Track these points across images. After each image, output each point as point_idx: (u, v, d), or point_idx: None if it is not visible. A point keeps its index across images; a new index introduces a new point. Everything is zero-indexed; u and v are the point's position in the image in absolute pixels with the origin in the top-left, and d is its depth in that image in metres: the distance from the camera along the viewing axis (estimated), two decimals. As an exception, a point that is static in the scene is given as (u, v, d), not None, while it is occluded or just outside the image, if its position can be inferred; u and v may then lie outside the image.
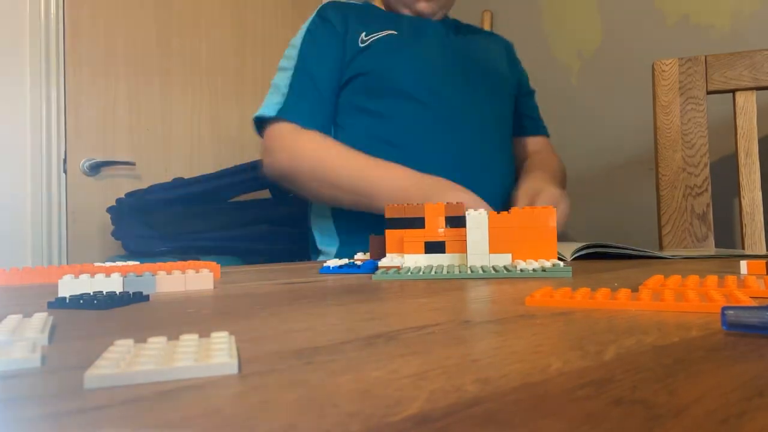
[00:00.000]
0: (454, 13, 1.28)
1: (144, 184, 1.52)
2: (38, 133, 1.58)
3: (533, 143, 1.24)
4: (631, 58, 1.45)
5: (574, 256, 0.66)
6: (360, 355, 0.21)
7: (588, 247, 0.70)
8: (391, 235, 0.58)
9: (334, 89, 1.07)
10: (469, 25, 1.25)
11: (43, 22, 1.58)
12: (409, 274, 0.49)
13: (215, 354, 0.19)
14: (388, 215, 0.57)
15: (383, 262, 0.53)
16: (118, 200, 1.39)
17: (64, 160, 1.63)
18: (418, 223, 0.57)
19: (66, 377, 0.19)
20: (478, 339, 0.24)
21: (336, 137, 1.07)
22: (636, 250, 0.69)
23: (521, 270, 0.49)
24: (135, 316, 0.32)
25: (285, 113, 1.00)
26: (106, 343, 0.25)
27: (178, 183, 1.36)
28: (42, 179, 1.58)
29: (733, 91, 1.06)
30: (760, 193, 1.04)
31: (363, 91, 1.06)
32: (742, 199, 1.04)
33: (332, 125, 1.10)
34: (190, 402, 0.16)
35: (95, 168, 1.66)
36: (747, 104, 1.05)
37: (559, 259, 0.63)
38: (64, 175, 1.63)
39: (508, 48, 1.26)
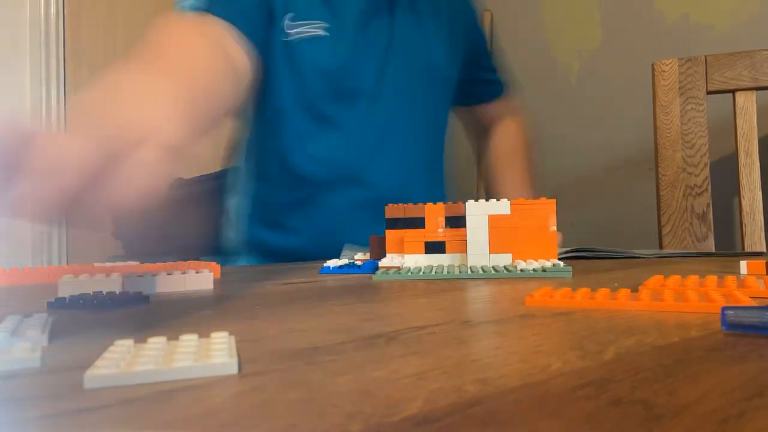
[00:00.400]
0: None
1: (144, 184, 1.52)
2: (38, 133, 1.58)
3: (492, 109, 1.13)
4: (631, 58, 1.45)
5: (560, 257, 0.67)
6: (360, 355, 0.21)
7: (573, 251, 0.71)
8: (391, 235, 0.58)
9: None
10: None
11: (43, 22, 1.59)
12: (410, 274, 0.49)
13: (215, 354, 0.19)
14: (388, 215, 0.58)
15: (383, 263, 0.53)
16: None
17: (64, 160, 1.63)
18: (418, 223, 0.57)
19: (66, 377, 0.19)
20: (478, 339, 0.24)
21: None
22: (617, 253, 0.70)
23: (521, 270, 0.49)
24: (135, 317, 0.32)
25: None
26: (106, 343, 0.25)
27: (178, 183, 1.36)
28: (42, 179, 1.58)
29: (733, 91, 1.06)
30: (760, 193, 1.04)
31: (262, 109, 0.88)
32: (742, 199, 1.04)
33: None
34: (190, 402, 0.16)
35: (95, 168, 1.66)
36: (747, 104, 1.05)
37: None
38: (64, 175, 1.63)
39: (466, 19, 1.06)
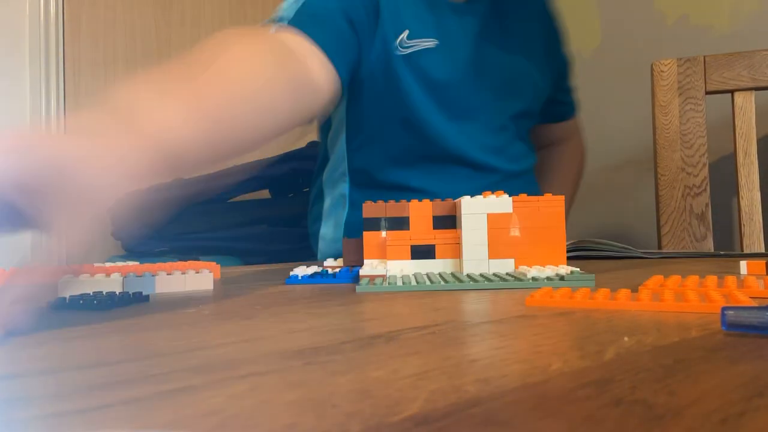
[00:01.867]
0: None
1: (143, 184, 1.52)
2: (37, 133, 1.58)
3: (558, 131, 1.13)
4: (630, 58, 1.45)
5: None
6: (360, 355, 0.21)
7: (576, 249, 0.70)
8: (369, 237, 0.49)
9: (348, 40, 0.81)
10: None
11: (42, 23, 1.58)
12: (401, 284, 0.41)
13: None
14: (365, 215, 0.50)
15: (365, 271, 0.46)
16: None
17: (64, 160, 1.63)
18: (401, 223, 0.49)
19: (66, 377, 0.19)
20: (478, 339, 0.24)
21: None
22: (619, 250, 0.69)
23: (533, 279, 0.41)
24: (135, 317, 0.32)
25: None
26: (106, 343, 0.25)
27: (178, 183, 1.36)
28: (41, 179, 1.58)
29: (732, 92, 1.06)
30: (758, 194, 1.04)
31: (367, 107, 0.87)
32: (740, 199, 1.04)
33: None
34: (190, 402, 0.16)
35: (94, 168, 1.66)
36: (746, 104, 1.05)
37: None
38: (63, 175, 1.63)
39: (551, 30, 1.08)
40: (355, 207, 0.92)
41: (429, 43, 0.88)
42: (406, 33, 0.86)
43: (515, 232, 0.47)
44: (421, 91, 0.87)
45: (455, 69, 0.90)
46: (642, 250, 0.73)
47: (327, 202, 0.97)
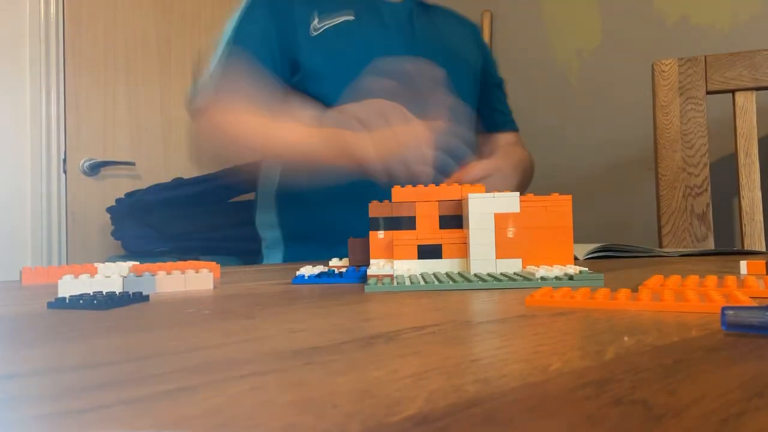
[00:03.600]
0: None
1: (144, 184, 1.52)
2: (38, 133, 1.58)
3: (503, 139, 1.15)
4: (631, 58, 1.45)
5: (586, 257, 0.66)
6: (360, 355, 0.21)
7: (602, 249, 0.70)
8: (376, 237, 0.50)
9: (275, 67, 0.92)
10: (432, 5, 1.11)
11: (43, 22, 1.58)
12: (409, 284, 0.41)
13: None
14: (371, 214, 0.50)
15: (372, 271, 0.46)
16: (118, 200, 1.39)
17: (64, 160, 1.63)
18: (407, 223, 0.49)
19: (65, 377, 0.19)
20: (478, 339, 0.24)
21: None
22: (644, 253, 0.70)
23: (541, 278, 0.41)
24: (135, 316, 0.32)
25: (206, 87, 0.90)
26: (106, 343, 0.25)
27: (178, 183, 1.36)
28: (42, 179, 1.58)
29: (733, 91, 1.06)
30: (759, 193, 1.04)
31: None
32: (741, 199, 1.04)
33: None
34: (190, 402, 0.16)
35: (95, 168, 1.66)
36: (747, 104, 1.05)
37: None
38: (63, 175, 1.63)
39: (474, 33, 1.16)
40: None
41: (342, 18, 0.93)
42: (316, 19, 0.93)
43: (511, 234, 0.47)
44: (328, 67, 0.92)
45: (373, 44, 0.94)
46: (661, 250, 0.73)
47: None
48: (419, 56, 0.94)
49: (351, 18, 0.94)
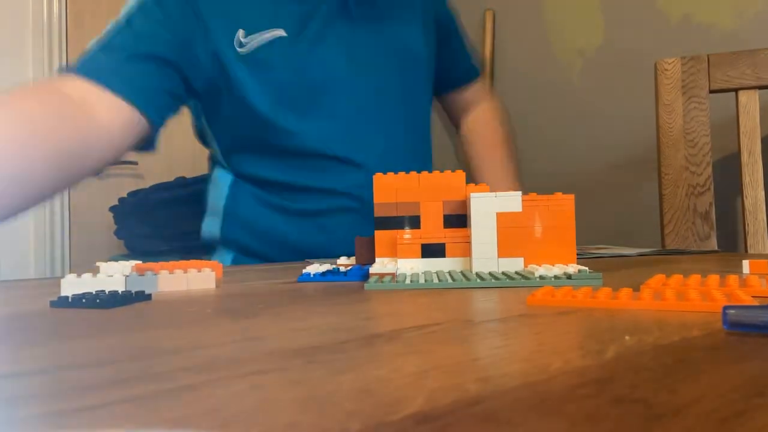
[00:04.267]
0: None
1: (146, 184, 1.53)
2: (41, 132, 1.59)
3: (468, 95, 1.11)
4: (633, 57, 1.45)
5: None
6: (361, 354, 0.21)
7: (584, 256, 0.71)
8: (381, 236, 0.50)
9: (167, 70, 0.80)
10: None
11: (45, 22, 1.59)
12: (409, 282, 0.41)
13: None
14: (377, 213, 0.51)
15: (375, 269, 0.46)
16: (121, 200, 1.39)
17: (67, 160, 1.63)
18: (412, 222, 0.50)
19: (68, 376, 0.19)
20: (479, 338, 0.24)
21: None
22: (603, 256, 0.71)
23: (540, 277, 0.41)
24: (137, 315, 0.32)
25: (82, 69, 0.75)
26: (109, 341, 0.25)
27: (181, 182, 1.36)
28: (45, 178, 1.58)
29: (736, 90, 1.05)
30: (762, 192, 1.03)
31: (243, 144, 0.88)
32: (744, 198, 1.03)
33: (210, 164, 0.97)
34: (191, 400, 0.16)
35: (98, 167, 1.67)
36: (750, 103, 1.05)
37: None
38: (66, 174, 1.63)
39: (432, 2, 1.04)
40: (235, 198, 0.93)
41: (271, 34, 0.85)
42: (241, 32, 0.84)
43: (538, 233, 0.47)
44: (263, 90, 0.85)
45: (309, 60, 0.87)
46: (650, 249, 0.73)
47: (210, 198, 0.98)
48: (359, 59, 0.90)
49: (283, 34, 0.86)
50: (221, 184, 0.96)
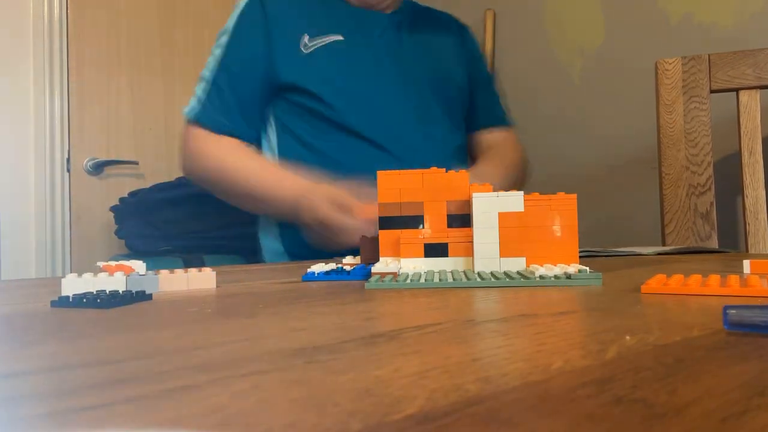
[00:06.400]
0: (455, 11, 1.28)
1: (147, 183, 1.53)
2: (42, 132, 1.59)
3: (491, 137, 1.15)
4: (634, 56, 1.44)
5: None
6: (361, 354, 0.21)
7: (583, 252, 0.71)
8: (385, 236, 0.50)
9: (260, 92, 1.01)
10: (422, 7, 1.16)
11: (46, 22, 1.59)
12: (408, 282, 0.42)
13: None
14: (381, 213, 0.51)
15: (377, 268, 0.47)
16: (122, 199, 1.39)
17: (68, 160, 1.63)
18: (416, 222, 0.50)
19: (69, 375, 0.19)
20: (480, 338, 0.24)
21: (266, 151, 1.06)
22: (621, 254, 0.71)
23: (540, 277, 0.41)
24: (137, 315, 0.32)
25: (199, 118, 0.99)
26: (109, 341, 0.25)
27: (181, 182, 1.36)
28: (45, 178, 1.59)
29: (737, 90, 1.05)
30: (763, 192, 1.03)
31: (298, 114, 1.00)
32: (745, 197, 1.03)
33: (262, 128, 1.06)
34: (191, 400, 0.16)
35: (98, 167, 1.67)
36: (751, 103, 1.05)
37: None
38: (67, 174, 1.63)
39: (462, 33, 1.18)
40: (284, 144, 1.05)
41: (331, 38, 0.99)
42: (306, 37, 0.99)
43: (558, 232, 0.47)
44: (322, 80, 0.98)
45: (362, 62, 1.00)
46: (645, 249, 0.73)
47: None
48: (404, 70, 1.02)
49: (340, 38, 1.00)
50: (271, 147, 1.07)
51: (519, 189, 0.84)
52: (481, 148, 1.15)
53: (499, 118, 1.17)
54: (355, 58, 1.00)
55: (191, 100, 1.01)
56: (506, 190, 0.48)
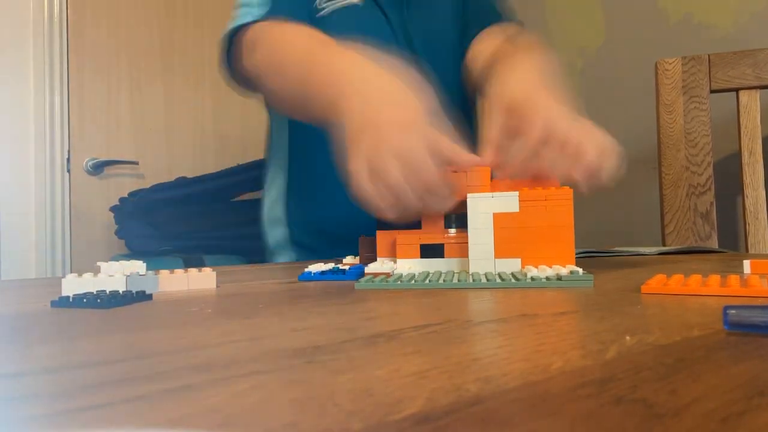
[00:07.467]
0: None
1: (147, 184, 1.53)
2: (42, 132, 1.59)
3: (494, 35, 0.96)
4: (634, 56, 1.44)
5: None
6: (361, 354, 0.21)
7: (581, 253, 0.71)
8: (382, 236, 0.50)
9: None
10: None
11: (46, 22, 1.59)
12: (399, 282, 0.42)
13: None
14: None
15: (370, 268, 0.47)
16: (122, 199, 1.40)
17: (68, 160, 1.63)
18: (413, 223, 0.50)
19: (69, 375, 0.19)
20: (480, 338, 0.24)
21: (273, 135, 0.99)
22: (623, 254, 0.70)
23: (532, 278, 0.41)
24: (138, 315, 0.32)
25: (257, 16, 0.81)
26: (109, 341, 0.25)
27: (181, 182, 1.36)
28: (45, 178, 1.59)
29: (737, 90, 1.05)
30: (763, 192, 1.03)
31: None
32: (745, 198, 1.03)
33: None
34: (192, 400, 0.16)
35: (98, 167, 1.67)
36: (750, 103, 1.05)
37: None
38: (67, 174, 1.63)
39: None
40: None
41: (345, 2, 0.91)
42: None
43: (553, 233, 0.47)
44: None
45: (376, 27, 0.91)
46: (645, 249, 0.73)
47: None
48: (410, 38, 0.93)
49: (356, 1, 0.91)
50: (280, 169, 1.00)
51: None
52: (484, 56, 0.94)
53: (495, 18, 0.99)
54: (367, 25, 0.90)
55: (236, 13, 0.85)
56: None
